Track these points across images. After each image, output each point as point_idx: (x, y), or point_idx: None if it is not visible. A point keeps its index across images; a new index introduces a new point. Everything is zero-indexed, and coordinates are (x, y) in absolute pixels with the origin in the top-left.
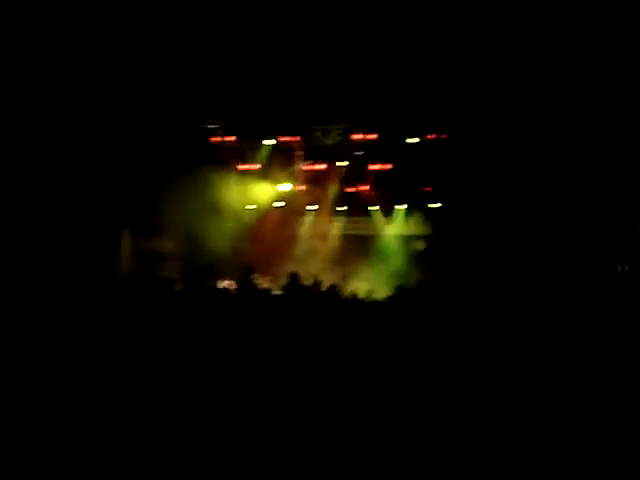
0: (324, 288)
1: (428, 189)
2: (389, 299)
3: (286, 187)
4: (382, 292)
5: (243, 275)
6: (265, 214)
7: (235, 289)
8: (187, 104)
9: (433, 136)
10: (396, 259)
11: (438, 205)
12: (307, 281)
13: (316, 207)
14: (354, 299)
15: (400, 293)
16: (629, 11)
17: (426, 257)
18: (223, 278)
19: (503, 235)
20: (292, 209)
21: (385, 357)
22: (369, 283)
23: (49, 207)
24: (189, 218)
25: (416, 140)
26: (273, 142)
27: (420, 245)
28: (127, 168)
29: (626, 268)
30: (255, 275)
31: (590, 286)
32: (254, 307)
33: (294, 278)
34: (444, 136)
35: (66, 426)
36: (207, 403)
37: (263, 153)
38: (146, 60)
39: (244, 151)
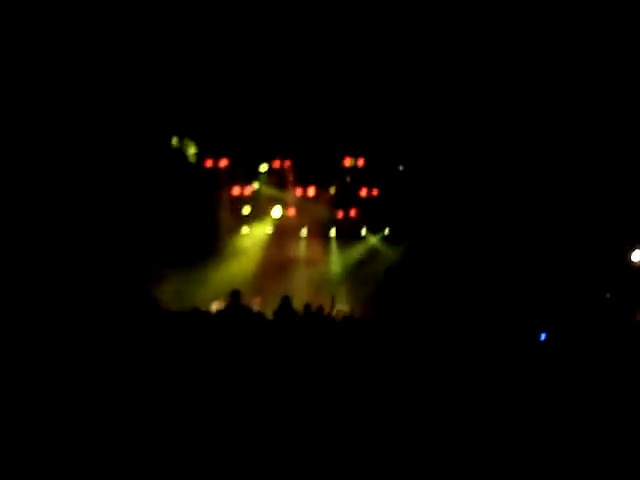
0: (313, 310)
1: (414, 215)
2: (377, 320)
3: (278, 211)
4: (370, 313)
5: (234, 298)
6: (258, 238)
7: (225, 312)
8: (180, 128)
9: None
10: (383, 282)
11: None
12: (298, 304)
13: (307, 231)
14: (343, 320)
15: (387, 314)
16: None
17: (412, 280)
18: (215, 300)
19: (486, 260)
20: (284, 233)
21: (375, 377)
22: (357, 305)
23: (45, 222)
24: (183, 240)
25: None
26: (266, 167)
27: (406, 267)
28: (123, 189)
29: (609, 296)
30: (247, 299)
31: (578, 313)
32: (245, 330)
33: (286, 302)
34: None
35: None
36: (190, 424)
37: (256, 177)
38: (140, 83)
39: (237, 175)
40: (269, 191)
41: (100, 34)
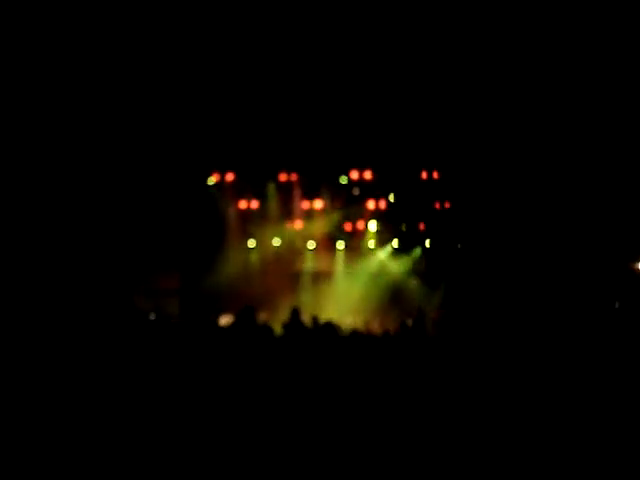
0: (322, 324)
1: (422, 226)
2: (387, 334)
3: (285, 225)
4: (380, 327)
5: (244, 311)
6: (265, 252)
7: (234, 324)
8: (187, 144)
9: (426, 174)
10: (392, 295)
11: (431, 242)
12: (307, 317)
13: (315, 244)
14: (353, 335)
15: (400, 328)
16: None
17: (422, 292)
18: (223, 314)
19: (497, 271)
20: (291, 247)
21: (386, 394)
22: (367, 319)
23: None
24: (190, 254)
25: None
26: (272, 181)
27: (416, 281)
28: (130, 205)
29: (618, 305)
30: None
31: (588, 321)
32: (254, 343)
33: (295, 314)
34: (436, 173)
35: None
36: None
37: (263, 191)
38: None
39: (244, 190)
40: (276, 205)
41: (103, 43)
